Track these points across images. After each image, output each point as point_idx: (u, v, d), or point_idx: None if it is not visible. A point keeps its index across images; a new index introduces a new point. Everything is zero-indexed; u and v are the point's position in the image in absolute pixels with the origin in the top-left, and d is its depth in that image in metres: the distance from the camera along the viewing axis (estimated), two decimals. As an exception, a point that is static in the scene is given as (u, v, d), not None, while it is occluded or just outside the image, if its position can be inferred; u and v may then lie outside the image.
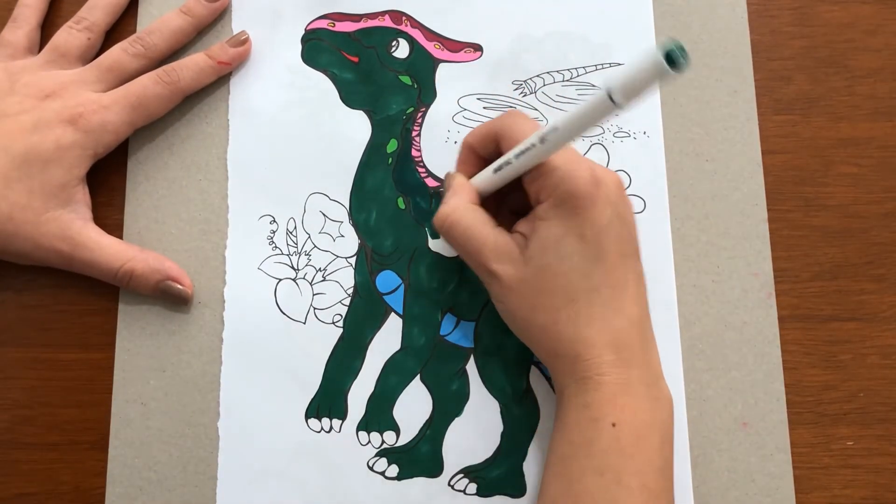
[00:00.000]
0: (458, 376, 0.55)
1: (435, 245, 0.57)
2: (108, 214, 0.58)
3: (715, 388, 0.55)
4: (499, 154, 0.51)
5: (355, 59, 0.59)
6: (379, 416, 0.55)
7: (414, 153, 0.58)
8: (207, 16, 0.59)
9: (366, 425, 0.55)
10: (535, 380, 0.55)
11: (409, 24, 0.60)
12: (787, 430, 0.54)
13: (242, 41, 0.59)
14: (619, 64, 0.59)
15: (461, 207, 0.50)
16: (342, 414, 0.55)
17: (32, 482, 0.55)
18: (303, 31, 0.60)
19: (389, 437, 0.54)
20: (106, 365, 0.56)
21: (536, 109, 0.58)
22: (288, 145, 0.58)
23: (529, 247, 0.48)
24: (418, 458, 0.54)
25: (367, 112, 0.59)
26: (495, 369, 0.55)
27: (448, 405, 0.55)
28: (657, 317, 0.54)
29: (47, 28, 0.61)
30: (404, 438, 0.55)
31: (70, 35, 0.58)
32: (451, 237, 0.51)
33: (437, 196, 0.57)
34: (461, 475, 0.54)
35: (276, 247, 0.57)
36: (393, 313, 0.56)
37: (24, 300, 0.57)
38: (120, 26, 0.61)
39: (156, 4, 0.61)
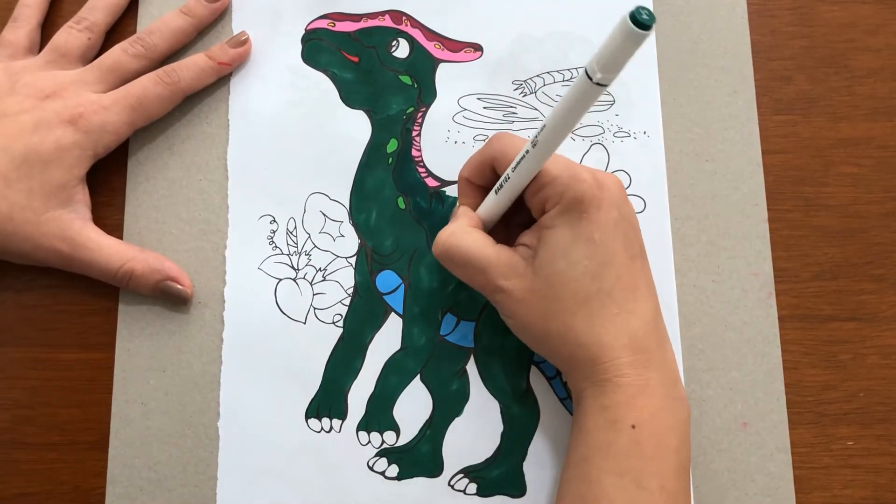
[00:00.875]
0: (458, 376, 0.55)
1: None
2: (109, 214, 0.58)
3: (715, 388, 0.55)
4: (496, 179, 0.51)
5: (355, 59, 0.59)
6: (379, 416, 0.55)
7: (414, 153, 0.58)
8: (208, 16, 0.59)
9: (366, 425, 0.55)
10: (535, 380, 0.55)
11: (409, 23, 0.60)
12: (787, 430, 0.54)
13: (242, 42, 0.59)
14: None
15: (458, 230, 0.50)
16: (342, 414, 0.55)
17: (32, 482, 0.55)
18: (303, 31, 0.60)
19: (389, 437, 0.54)
20: (106, 365, 0.56)
21: (536, 109, 0.58)
22: (288, 145, 0.58)
23: (538, 256, 0.48)
24: (418, 458, 0.54)
25: (367, 112, 0.59)
26: (495, 369, 0.55)
27: (448, 405, 0.55)
28: (657, 317, 0.55)
29: (48, 28, 0.61)
30: (404, 438, 0.55)
31: (70, 35, 0.58)
32: (451, 261, 0.51)
33: (437, 196, 0.57)
34: (461, 475, 0.54)
35: (276, 247, 0.57)
36: (393, 313, 0.56)
37: (24, 300, 0.57)
38: (120, 26, 0.61)
39: (156, 4, 0.61)
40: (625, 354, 0.47)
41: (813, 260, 0.57)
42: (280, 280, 0.56)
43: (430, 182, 0.57)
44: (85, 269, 0.54)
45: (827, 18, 0.61)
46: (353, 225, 0.57)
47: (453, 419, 0.55)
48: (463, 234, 0.50)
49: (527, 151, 0.46)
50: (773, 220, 0.57)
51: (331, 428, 0.54)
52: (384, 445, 0.54)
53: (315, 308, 0.56)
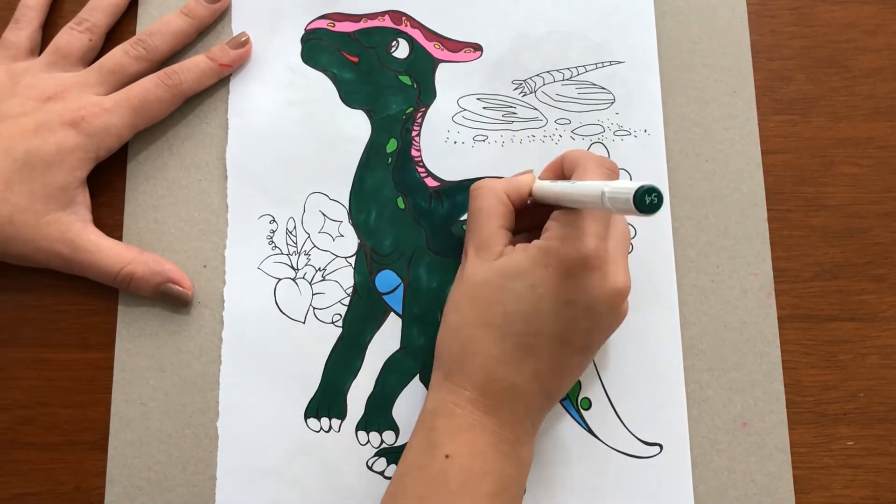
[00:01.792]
0: (457, 376, 0.55)
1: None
2: (108, 215, 0.58)
3: (714, 388, 0.55)
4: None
5: (355, 59, 0.59)
6: (378, 415, 0.55)
7: (413, 153, 0.58)
8: (208, 17, 0.59)
9: (365, 425, 0.55)
10: (535, 380, 0.55)
11: (408, 24, 0.60)
12: (787, 430, 0.54)
13: (243, 42, 0.59)
14: (620, 62, 0.59)
15: (494, 190, 0.51)
16: (341, 414, 0.55)
17: (32, 482, 0.55)
18: (302, 31, 0.60)
19: (389, 436, 0.54)
20: (106, 365, 0.56)
21: (536, 109, 0.58)
22: (287, 145, 0.58)
23: (499, 260, 0.49)
24: (418, 458, 0.54)
25: (366, 112, 0.59)
26: (495, 369, 0.55)
27: (448, 405, 0.55)
28: (657, 317, 0.55)
29: (48, 29, 0.61)
30: (404, 438, 0.55)
31: (71, 36, 0.58)
32: (469, 206, 0.52)
33: (436, 196, 0.57)
34: (461, 475, 0.54)
35: (275, 246, 0.57)
36: (392, 313, 0.56)
37: (24, 300, 0.57)
38: (120, 27, 0.61)
39: (155, 5, 0.61)
40: (471, 389, 0.47)
41: (813, 260, 0.57)
42: (279, 280, 0.56)
43: (430, 182, 0.57)
44: (85, 271, 0.54)
45: (827, 18, 0.61)
46: (352, 225, 0.57)
47: (453, 419, 0.55)
48: (492, 197, 0.51)
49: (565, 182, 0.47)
50: (773, 220, 0.57)
51: (330, 428, 0.54)
52: (383, 445, 0.54)
53: (314, 308, 0.56)
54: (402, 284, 0.56)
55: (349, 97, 0.59)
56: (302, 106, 0.59)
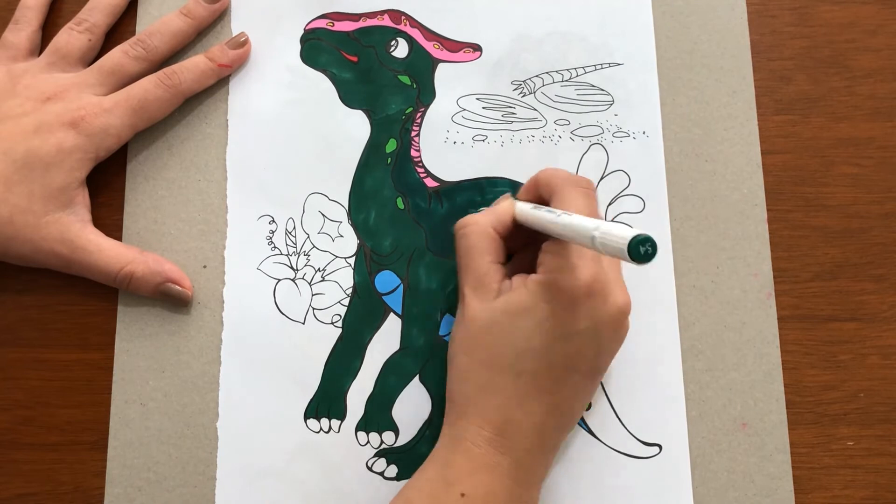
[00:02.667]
0: (457, 377, 0.55)
1: None
2: (108, 215, 0.58)
3: (714, 389, 0.55)
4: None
5: (354, 59, 0.59)
6: (378, 416, 0.55)
7: (413, 153, 0.58)
8: (208, 17, 0.59)
9: (365, 426, 0.55)
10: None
11: (408, 23, 0.60)
12: (787, 431, 0.54)
13: (242, 43, 0.59)
14: (619, 64, 0.59)
15: (479, 227, 0.51)
16: (341, 414, 0.55)
17: (32, 482, 0.55)
18: (302, 31, 0.60)
19: (388, 437, 0.54)
20: (105, 365, 0.56)
21: (535, 109, 0.58)
22: (287, 145, 0.58)
23: (499, 299, 0.48)
24: (417, 459, 0.54)
25: (366, 112, 0.59)
26: (494, 370, 0.55)
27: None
28: (656, 317, 0.55)
29: (48, 29, 0.61)
30: (403, 439, 0.55)
31: (71, 36, 0.58)
32: (456, 245, 0.52)
33: (436, 196, 0.57)
34: (460, 475, 0.54)
35: (275, 247, 0.57)
36: (392, 313, 0.56)
37: (24, 300, 0.57)
38: (120, 27, 0.61)
39: (155, 5, 0.61)
40: (489, 429, 0.47)
41: (813, 260, 0.57)
42: (279, 280, 0.56)
43: (429, 182, 0.57)
44: (84, 271, 0.54)
45: (827, 18, 0.61)
46: (352, 225, 0.57)
47: (452, 420, 0.55)
48: (480, 233, 0.51)
49: (555, 214, 0.46)
50: (773, 221, 0.57)
51: (330, 428, 0.54)
52: (383, 446, 0.54)
53: (314, 308, 0.56)
54: (401, 285, 0.56)
55: (348, 97, 0.59)
56: (301, 106, 0.59)
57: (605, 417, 0.54)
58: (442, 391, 0.55)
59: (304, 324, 0.56)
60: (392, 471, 0.54)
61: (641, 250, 0.37)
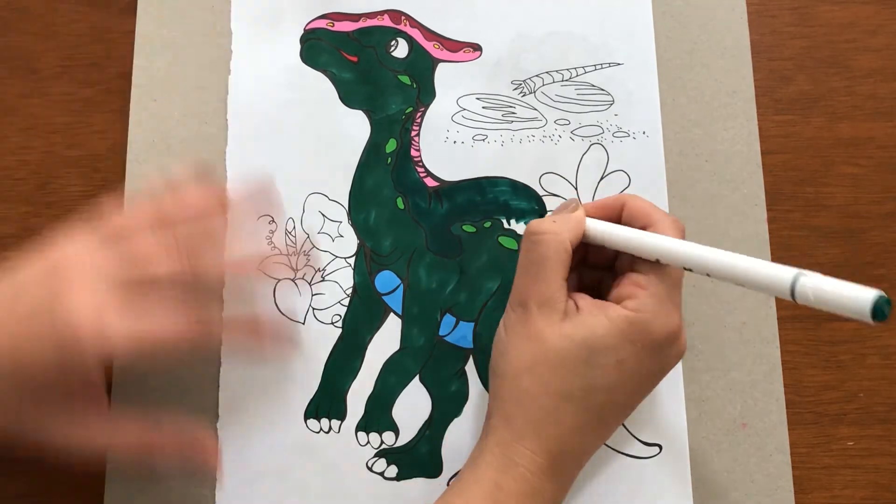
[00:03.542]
0: (457, 377, 0.55)
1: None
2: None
3: (714, 389, 0.55)
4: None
5: (354, 59, 0.59)
6: (378, 416, 0.55)
7: (413, 153, 0.58)
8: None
9: (365, 426, 0.55)
10: (535, 380, 0.55)
11: (408, 23, 0.60)
12: (787, 431, 0.54)
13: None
14: (619, 64, 0.59)
15: (558, 238, 0.47)
16: (341, 414, 0.55)
17: (33, 482, 0.55)
18: (302, 31, 0.60)
19: (388, 437, 0.54)
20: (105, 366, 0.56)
21: (535, 109, 0.58)
22: (287, 145, 0.58)
23: (569, 321, 0.46)
24: (417, 459, 0.54)
25: (366, 112, 0.59)
26: (494, 370, 0.55)
27: (447, 406, 0.55)
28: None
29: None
30: (403, 439, 0.55)
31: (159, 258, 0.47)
32: (526, 249, 0.48)
33: (436, 195, 0.57)
34: (460, 475, 0.54)
35: (274, 247, 0.57)
36: (392, 313, 0.56)
37: (24, 300, 0.57)
38: (120, 26, 0.61)
39: (154, 5, 0.61)
40: (544, 457, 0.46)
41: (813, 260, 0.57)
42: (279, 280, 0.56)
43: (429, 182, 0.57)
44: None
45: (827, 18, 0.61)
46: (351, 225, 0.57)
47: (452, 420, 0.55)
48: (558, 246, 0.47)
49: (672, 251, 0.45)
50: (772, 221, 0.57)
51: (330, 428, 0.54)
52: (383, 446, 0.54)
53: (314, 308, 0.56)
54: (401, 285, 0.56)
55: (348, 97, 0.59)
56: (301, 106, 0.59)
57: (605, 417, 0.55)
58: (441, 391, 0.55)
59: (303, 324, 0.56)
60: (392, 471, 0.54)
61: (886, 311, 0.35)
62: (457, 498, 0.46)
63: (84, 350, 0.43)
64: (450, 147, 0.58)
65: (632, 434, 0.54)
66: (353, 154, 0.58)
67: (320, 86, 0.59)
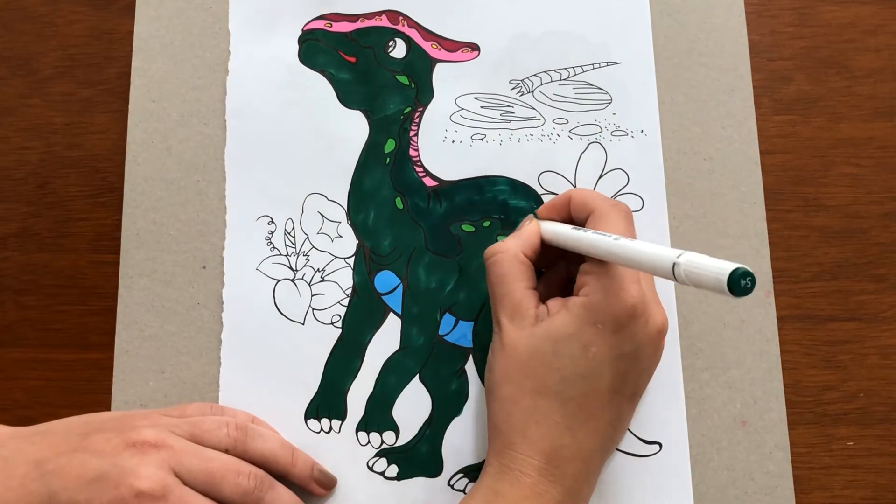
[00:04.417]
0: (457, 376, 0.55)
1: None
2: (107, 216, 0.58)
3: (713, 387, 0.55)
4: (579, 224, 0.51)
5: (352, 60, 0.59)
6: (378, 416, 0.55)
7: (412, 153, 0.58)
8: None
9: (365, 426, 0.55)
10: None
11: (406, 23, 0.60)
12: (787, 429, 0.54)
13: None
14: (617, 63, 0.59)
15: (510, 254, 0.50)
16: (341, 414, 0.55)
17: (32, 483, 0.55)
18: (300, 32, 0.60)
19: (389, 437, 0.55)
20: (105, 366, 0.56)
21: (534, 108, 0.59)
22: (285, 146, 0.58)
23: (541, 325, 0.48)
24: (418, 458, 0.54)
25: (364, 112, 0.59)
26: (494, 369, 0.55)
27: (447, 405, 0.55)
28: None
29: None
30: (404, 438, 0.55)
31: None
32: (488, 272, 0.51)
33: (434, 195, 0.57)
34: (461, 475, 0.54)
35: (274, 247, 0.57)
36: (392, 313, 0.56)
37: (24, 300, 0.57)
38: (119, 26, 0.61)
39: (154, 6, 0.61)
40: (537, 457, 0.47)
41: (813, 260, 0.57)
42: (278, 281, 0.56)
43: (428, 182, 0.58)
44: None
45: (827, 18, 0.61)
46: (351, 225, 0.57)
47: (453, 419, 0.55)
48: (511, 260, 0.50)
49: (610, 238, 0.46)
50: (772, 220, 0.57)
51: (330, 429, 0.55)
52: (384, 446, 0.54)
53: (313, 309, 0.56)
54: (401, 284, 0.56)
55: (347, 98, 0.59)
56: (300, 107, 0.59)
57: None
58: (441, 391, 0.55)
59: (303, 324, 0.56)
60: (393, 470, 0.54)
61: (742, 284, 0.35)
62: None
63: None
64: (448, 147, 0.58)
65: (632, 432, 0.54)
66: (352, 154, 0.58)
67: (318, 86, 0.59)
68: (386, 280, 0.56)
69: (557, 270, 0.54)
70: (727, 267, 0.36)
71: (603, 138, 0.58)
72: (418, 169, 0.58)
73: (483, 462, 0.53)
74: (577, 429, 0.47)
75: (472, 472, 0.54)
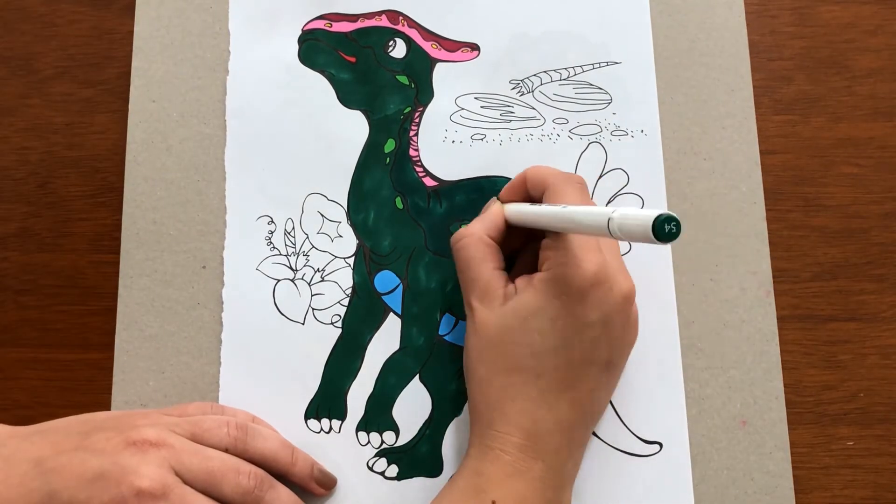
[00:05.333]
0: (457, 376, 0.55)
1: None
2: (107, 216, 0.58)
3: (713, 387, 0.55)
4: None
5: (352, 60, 0.59)
6: (378, 416, 0.55)
7: (412, 153, 0.58)
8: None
9: (365, 426, 0.55)
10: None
11: (405, 23, 0.60)
12: (786, 429, 0.54)
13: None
14: (617, 63, 0.59)
15: (475, 237, 0.51)
16: (342, 414, 0.55)
17: (32, 483, 0.55)
18: (300, 32, 0.60)
19: (389, 437, 0.54)
20: (105, 365, 0.56)
21: (534, 108, 0.59)
22: (285, 146, 0.58)
23: (509, 304, 0.48)
24: (418, 458, 0.54)
25: (364, 112, 0.59)
26: (494, 369, 0.55)
27: (447, 405, 0.55)
28: (655, 316, 0.55)
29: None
30: (404, 438, 0.55)
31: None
32: (455, 258, 0.52)
33: (434, 195, 0.57)
34: (460, 475, 0.54)
35: (274, 247, 0.57)
36: (392, 313, 0.56)
37: (24, 300, 0.57)
38: (119, 26, 0.61)
39: (153, 6, 0.61)
40: (518, 434, 0.47)
41: (812, 260, 0.57)
42: (278, 281, 0.56)
43: (428, 182, 0.58)
44: None
45: (827, 18, 0.61)
46: (351, 225, 0.57)
47: (453, 419, 0.55)
48: (477, 243, 0.51)
49: (558, 207, 0.46)
50: (772, 220, 0.57)
51: (330, 429, 0.55)
52: (384, 446, 0.54)
53: (313, 309, 0.56)
54: (401, 284, 0.56)
55: (347, 98, 0.59)
56: (299, 106, 0.59)
57: (605, 416, 0.54)
58: (441, 391, 0.55)
59: (303, 324, 0.56)
60: (393, 470, 0.54)
61: (667, 228, 0.36)
62: (445, 491, 0.48)
63: None
64: (448, 147, 0.58)
65: (632, 432, 0.54)
66: (352, 154, 0.58)
67: (318, 86, 0.59)
68: (386, 280, 0.56)
69: (530, 251, 0.54)
70: (651, 213, 0.36)
71: (603, 138, 0.58)
72: (418, 169, 0.58)
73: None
74: (555, 402, 0.47)
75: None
